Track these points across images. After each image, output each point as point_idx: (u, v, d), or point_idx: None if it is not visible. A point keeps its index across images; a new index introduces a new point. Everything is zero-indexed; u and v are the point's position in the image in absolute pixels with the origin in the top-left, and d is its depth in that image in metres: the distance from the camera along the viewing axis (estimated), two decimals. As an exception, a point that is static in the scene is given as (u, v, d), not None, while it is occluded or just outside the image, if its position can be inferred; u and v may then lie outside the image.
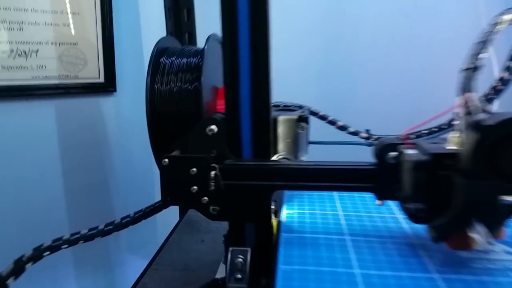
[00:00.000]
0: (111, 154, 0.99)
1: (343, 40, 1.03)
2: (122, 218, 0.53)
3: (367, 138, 0.64)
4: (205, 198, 0.49)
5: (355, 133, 0.64)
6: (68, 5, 0.90)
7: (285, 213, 0.56)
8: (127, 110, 1.00)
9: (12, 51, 0.80)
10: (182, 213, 0.92)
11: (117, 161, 1.00)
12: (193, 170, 0.48)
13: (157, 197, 0.47)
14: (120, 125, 1.00)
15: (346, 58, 1.03)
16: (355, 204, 0.57)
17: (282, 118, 0.54)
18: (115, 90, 0.97)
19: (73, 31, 0.87)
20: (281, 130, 0.54)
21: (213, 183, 0.48)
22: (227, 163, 0.50)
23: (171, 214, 0.83)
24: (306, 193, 0.61)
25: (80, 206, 0.90)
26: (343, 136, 0.65)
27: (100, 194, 0.97)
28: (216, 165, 0.49)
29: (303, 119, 0.54)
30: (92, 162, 0.94)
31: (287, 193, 0.60)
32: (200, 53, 0.73)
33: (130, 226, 0.52)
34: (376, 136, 0.64)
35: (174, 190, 0.48)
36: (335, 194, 0.60)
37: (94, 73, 0.94)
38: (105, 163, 0.98)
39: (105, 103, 0.96)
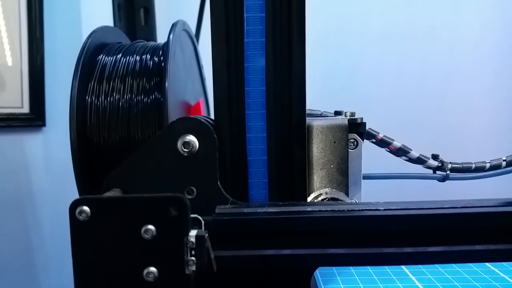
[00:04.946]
0: (38, 214, 0.78)
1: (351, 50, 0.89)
2: None
3: (439, 169, 0.39)
4: (176, 292, 0.22)
5: (419, 161, 0.39)
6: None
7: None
8: (60, 152, 0.77)
9: None
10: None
11: (47, 222, 0.79)
12: (148, 230, 0.21)
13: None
14: (51, 171, 0.80)
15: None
16: (443, 278, 0.32)
17: (319, 125, 0.29)
18: (44, 125, 0.78)
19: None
20: (317, 148, 0.29)
21: (194, 258, 0.21)
22: (221, 212, 0.24)
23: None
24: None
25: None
26: (394, 164, 0.41)
27: (22, 274, 0.76)
28: (199, 217, 0.22)
29: (357, 127, 0.29)
30: (10, 226, 0.75)
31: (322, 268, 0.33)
32: (162, 48, 0.49)
33: None
34: (453, 165, 0.39)
35: (103, 276, 0.21)
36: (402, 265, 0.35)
37: (14, 100, 0.74)
38: (30, 226, 0.78)
39: (30, 141, 0.78)
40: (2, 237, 0.75)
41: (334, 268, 0.35)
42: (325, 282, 0.32)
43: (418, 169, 0.44)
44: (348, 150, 0.30)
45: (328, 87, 0.83)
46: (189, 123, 0.26)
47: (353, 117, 0.30)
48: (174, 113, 0.39)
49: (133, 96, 0.45)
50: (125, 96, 0.45)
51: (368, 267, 0.35)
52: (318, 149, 0.29)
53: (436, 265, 0.35)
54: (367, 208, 0.24)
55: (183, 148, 0.25)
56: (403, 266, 0.35)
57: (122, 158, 0.31)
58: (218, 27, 0.26)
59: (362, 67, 0.89)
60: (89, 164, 0.43)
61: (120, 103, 0.44)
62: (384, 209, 0.24)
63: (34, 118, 0.75)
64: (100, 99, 0.44)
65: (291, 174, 0.27)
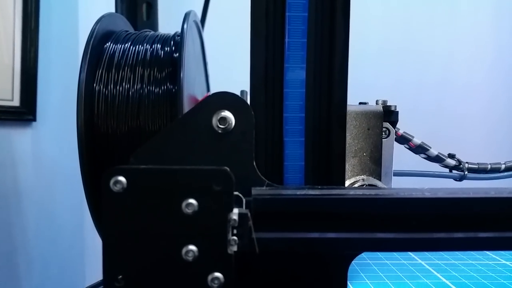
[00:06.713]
0: (23, 212, 0.75)
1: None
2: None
3: (456, 168, 0.39)
4: (216, 275, 0.20)
5: (438, 159, 0.38)
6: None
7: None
8: (50, 148, 0.77)
9: None
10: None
11: (32, 222, 0.76)
12: (190, 204, 0.19)
13: (90, 277, 0.20)
14: (39, 169, 0.76)
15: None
16: (465, 273, 0.31)
17: (353, 110, 0.28)
18: (34, 119, 0.74)
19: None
20: (350, 134, 0.28)
21: (236, 238, 0.20)
22: (259, 193, 0.22)
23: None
24: (372, 259, 0.33)
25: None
26: (406, 160, 0.40)
27: (2, 275, 0.72)
28: (240, 195, 0.21)
29: (389, 115, 0.28)
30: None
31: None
32: (173, 38, 0.48)
33: None
34: (469, 165, 0.39)
35: (136, 256, 0.19)
36: (421, 259, 0.34)
37: (5, 92, 0.71)
38: (14, 225, 0.74)
39: (19, 136, 0.74)
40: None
41: (355, 264, 0.34)
42: (349, 278, 0.31)
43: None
44: (381, 138, 0.29)
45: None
46: (226, 98, 0.24)
47: (387, 105, 0.29)
48: (186, 105, 0.37)
49: (144, 85, 0.43)
50: (135, 86, 0.43)
51: (390, 264, 0.34)
52: (351, 136, 0.28)
53: (458, 264, 0.34)
54: (414, 193, 0.23)
55: (218, 124, 0.24)
56: (424, 263, 0.34)
57: (131, 149, 0.29)
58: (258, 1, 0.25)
59: (358, 80, 0.88)
60: (95, 153, 0.41)
61: (130, 93, 0.42)
62: (431, 194, 0.23)
63: (25, 112, 0.72)
64: (109, 88, 0.42)
65: (329, 158, 0.25)
